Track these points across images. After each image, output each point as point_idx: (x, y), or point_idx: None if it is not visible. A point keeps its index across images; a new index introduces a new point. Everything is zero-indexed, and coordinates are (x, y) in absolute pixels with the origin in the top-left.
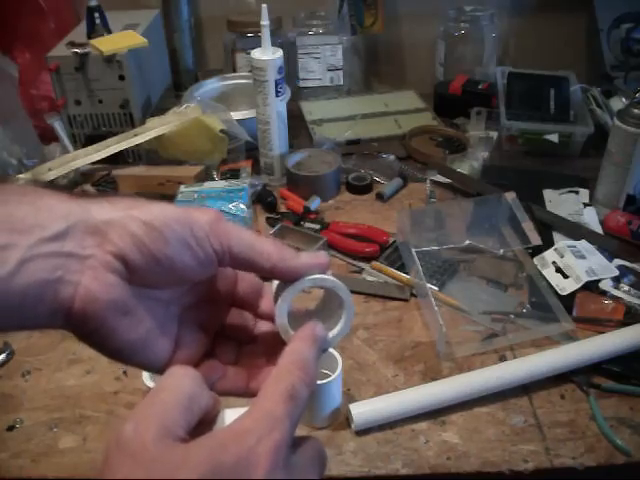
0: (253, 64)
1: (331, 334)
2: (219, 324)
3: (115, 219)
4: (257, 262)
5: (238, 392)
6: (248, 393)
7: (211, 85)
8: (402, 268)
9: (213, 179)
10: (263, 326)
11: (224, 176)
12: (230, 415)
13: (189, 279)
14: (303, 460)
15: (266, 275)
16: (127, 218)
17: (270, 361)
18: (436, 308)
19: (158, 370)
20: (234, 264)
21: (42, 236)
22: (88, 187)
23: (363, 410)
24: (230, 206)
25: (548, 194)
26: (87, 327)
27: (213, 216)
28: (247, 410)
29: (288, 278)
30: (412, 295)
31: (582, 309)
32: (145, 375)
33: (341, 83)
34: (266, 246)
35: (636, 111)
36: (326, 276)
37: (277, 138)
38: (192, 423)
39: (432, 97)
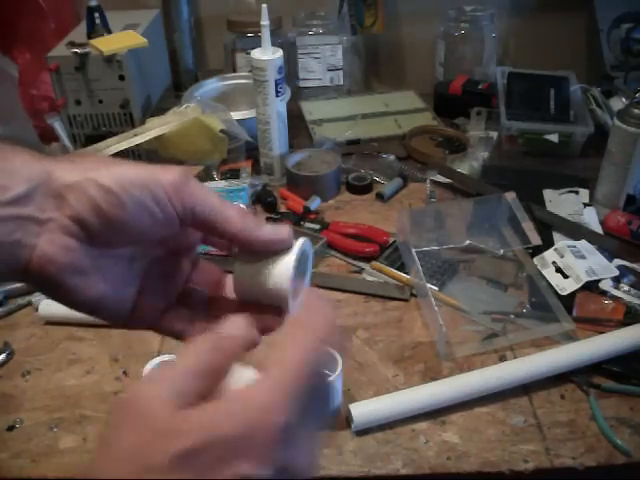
0: (253, 64)
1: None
2: (187, 274)
3: (75, 182)
4: (219, 227)
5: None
6: None
7: (211, 85)
8: (402, 268)
9: (213, 179)
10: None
11: (224, 176)
12: (239, 373)
13: (150, 239)
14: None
15: (227, 240)
16: (87, 182)
17: (239, 311)
18: (436, 308)
19: (123, 322)
20: (197, 226)
21: (2, 199)
22: None
23: (363, 410)
24: None
25: (548, 194)
26: (45, 286)
27: (178, 176)
28: (259, 377)
29: (247, 248)
30: (412, 295)
31: (582, 309)
32: (145, 375)
33: (341, 83)
34: (231, 212)
35: (636, 111)
36: (301, 245)
37: (277, 138)
38: (207, 390)
39: (432, 97)
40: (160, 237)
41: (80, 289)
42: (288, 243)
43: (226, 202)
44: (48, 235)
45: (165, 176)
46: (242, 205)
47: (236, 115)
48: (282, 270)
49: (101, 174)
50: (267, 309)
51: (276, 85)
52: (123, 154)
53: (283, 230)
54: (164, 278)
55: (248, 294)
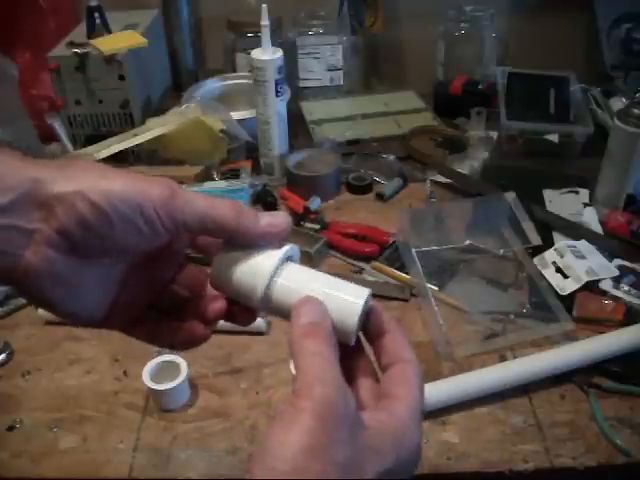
0: (253, 64)
1: None
2: (169, 279)
3: (63, 194)
4: (214, 233)
5: (166, 345)
6: (174, 346)
7: (211, 85)
8: (402, 268)
9: (213, 179)
10: None
11: (224, 176)
12: None
13: (136, 252)
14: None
15: (225, 240)
16: (75, 195)
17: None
18: (436, 308)
19: (95, 325)
20: (191, 235)
21: None
22: None
23: None
24: None
25: (548, 194)
26: (27, 295)
27: (166, 191)
28: (388, 408)
29: (243, 242)
30: (412, 295)
31: (582, 309)
32: (145, 375)
33: (341, 83)
34: (222, 212)
35: (636, 111)
36: (289, 249)
37: (277, 138)
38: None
39: (432, 97)
40: (147, 249)
41: (60, 300)
42: (285, 234)
43: (217, 202)
44: (34, 246)
45: (153, 190)
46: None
47: (236, 115)
48: (262, 273)
49: (90, 187)
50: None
51: (276, 85)
52: (123, 154)
53: (280, 220)
54: (144, 283)
55: (225, 288)
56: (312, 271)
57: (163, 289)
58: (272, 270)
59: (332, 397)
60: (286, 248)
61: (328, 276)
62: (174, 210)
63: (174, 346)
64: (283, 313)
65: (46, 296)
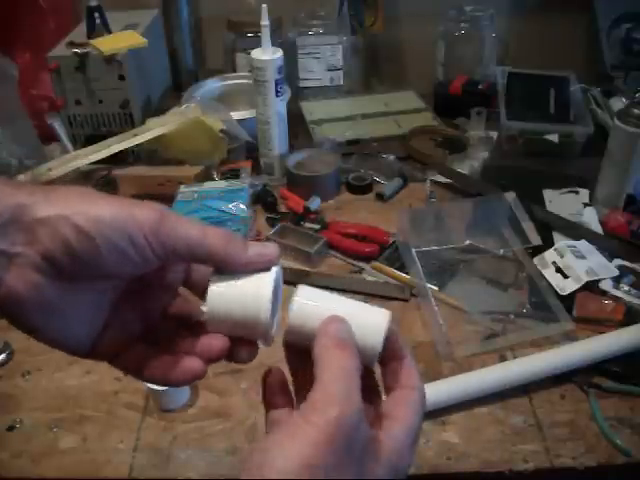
0: (253, 64)
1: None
2: (160, 309)
3: (47, 218)
4: (203, 260)
5: (157, 380)
6: (166, 381)
7: (211, 85)
8: (402, 268)
9: (213, 179)
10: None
11: (224, 176)
12: None
13: (125, 277)
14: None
15: (212, 267)
16: (61, 220)
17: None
18: (436, 308)
19: (81, 355)
20: (180, 262)
21: None
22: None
23: None
24: (230, 206)
25: (548, 194)
26: (10, 319)
27: (156, 216)
28: (387, 428)
29: (230, 270)
30: (412, 295)
31: (582, 309)
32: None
33: (341, 83)
34: (212, 240)
35: (636, 111)
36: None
37: (277, 138)
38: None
39: (432, 97)
40: (136, 275)
41: (45, 326)
42: (273, 264)
43: (207, 230)
44: (16, 270)
45: (142, 215)
46: (242, 206)
47: (236, 115)
48: (259, 302)
49: (75, 212)
50: (241, 340)
51: (276, 85)
52: (123, 154)
53: (270, 251)
54: (135, 312)
55: (223, 325)
56: (320, 291)
57: (155, 320)
58: (270, 293)
59: (350, 419)
60: (275, 270)
61: (342, 297)
62: (163, 236)
63: (167, 382)
64: (300, 334)
65: (30, 322)
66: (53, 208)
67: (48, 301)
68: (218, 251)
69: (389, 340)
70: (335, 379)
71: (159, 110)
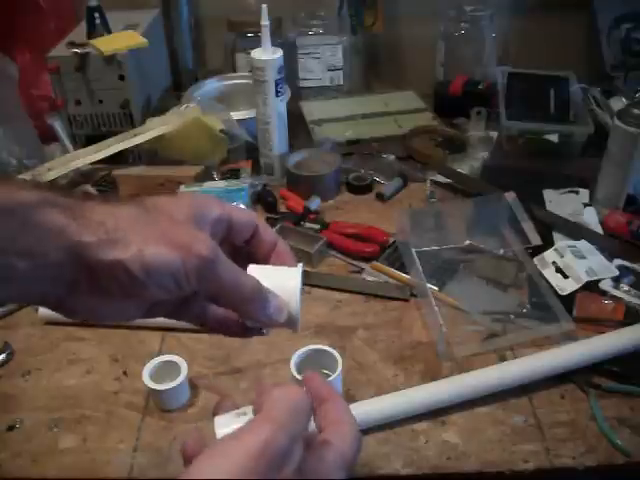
0: (253, 64)
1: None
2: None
3: (105, 263)
4: (233, 306)
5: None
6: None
7: (211, 85)
8: (402, 268)
9: (213, 179)
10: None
11: (224, 176)
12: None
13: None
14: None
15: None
16: (117, 265)
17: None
18: (436, 308)
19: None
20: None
21: (41, 263)
22: (88, 187)
23: (363, 410)
24: None
25: (548, 194)
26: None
27: (205, 264)
28: (328, 444)
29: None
30: (412, 295)
31: (582, 309)
32: (145, 375)
33: (341, 83)
34: (244, 294)
35: (636, 111)
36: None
37: (277, 138)
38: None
39: (432, 97)
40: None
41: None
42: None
43: (241, 281)
44: (75, 295)
45: (191, 263)
46: (242, 206)
47: (236, 115)
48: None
49: (131, 258)
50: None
51: (276, 85)
52: (123, 154)
53: (283, 312)
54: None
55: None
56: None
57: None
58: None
59: (279, 443)
60: (300, 265)
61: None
62: (210, 283)
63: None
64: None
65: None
66: (112, 252)
67: (97, 309)
68: (246, 301)
69: (311, 385)
70: (278, 407)
71: (159, 110)
